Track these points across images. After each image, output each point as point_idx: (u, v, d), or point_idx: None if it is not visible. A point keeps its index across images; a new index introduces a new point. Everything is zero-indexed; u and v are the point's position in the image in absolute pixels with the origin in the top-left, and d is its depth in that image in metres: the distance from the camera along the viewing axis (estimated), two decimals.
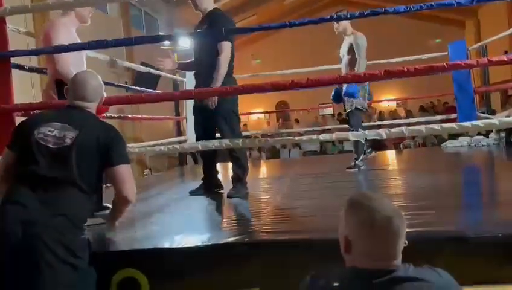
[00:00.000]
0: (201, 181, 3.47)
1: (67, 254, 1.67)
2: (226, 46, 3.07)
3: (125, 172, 1.91)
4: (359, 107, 4.13)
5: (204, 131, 3.30)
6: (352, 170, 4.15)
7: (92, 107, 2.02)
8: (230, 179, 3.29)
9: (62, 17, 2.73)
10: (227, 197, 3.16)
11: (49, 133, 1.84)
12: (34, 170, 1.79)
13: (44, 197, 1.73)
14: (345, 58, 4.28)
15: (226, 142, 2.58)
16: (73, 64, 2.60)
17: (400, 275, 1.09)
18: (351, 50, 4.21)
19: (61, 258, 1.65)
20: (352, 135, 2.58)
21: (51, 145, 1.81)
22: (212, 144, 2.75)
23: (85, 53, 2.85)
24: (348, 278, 1.10)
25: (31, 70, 3.62)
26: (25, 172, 1.81)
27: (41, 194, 1.74)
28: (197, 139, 3.31)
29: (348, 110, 4.20)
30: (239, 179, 3.22)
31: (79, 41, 2.68)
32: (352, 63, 4.17)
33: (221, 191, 3.42)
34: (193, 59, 3.36)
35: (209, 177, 3.46)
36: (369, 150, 4.33)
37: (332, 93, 4.43)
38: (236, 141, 2.67)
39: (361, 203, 1.16)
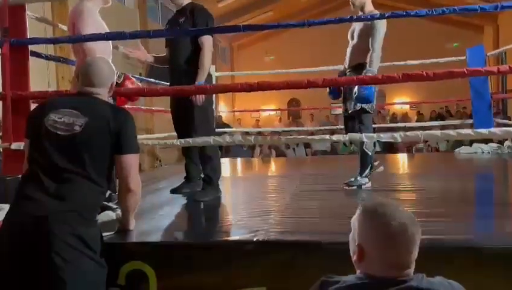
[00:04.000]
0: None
1: (82, 245, 1.66)
2: (208, 40, 2.95)
3: (131, 162, 1.89)
4: (367, 108, 3.16)
5: (180, 126, 3.12)
6: (352, 187, 3.14)
7: (101, 93, 1.98)
8: (201, 180, 3.08)
9: (86, 2, 2.72)
10: (194, 200, 2.94)
11: (58, 119, 1.81)
12: (44, 160, 1.77)
13: (54, 189, 1.71)
14: (355, 41, 3.28)
15: (238, 139, 2.57)
16: (102, 52, 2.58)
17: (412, 285, 1.06)
18: (364, 33, 3.19)
19: (78, 249, 1.64)
20: (366, 137, 2.54)
21: (60, 132, 1.79)
22: (224, 139, 2.75)
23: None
24: (360, 286, 1.09)
25: (48, 58, 3.65)
26: (36, 162, 1.80)
27: (52, 186, 1.72)
28: (177, 133, 3.16)
29: (351, 111, 3.23)
30: (209, 181, 2.99)
31: (105, 26, 2.65)
32: (364, 50, 3.17)
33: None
34: (167, 54, 3.13)
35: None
36: (376, 163, 3.38)
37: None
38: (249, 138, 2.66)
39: (375, 210, 1.13)
